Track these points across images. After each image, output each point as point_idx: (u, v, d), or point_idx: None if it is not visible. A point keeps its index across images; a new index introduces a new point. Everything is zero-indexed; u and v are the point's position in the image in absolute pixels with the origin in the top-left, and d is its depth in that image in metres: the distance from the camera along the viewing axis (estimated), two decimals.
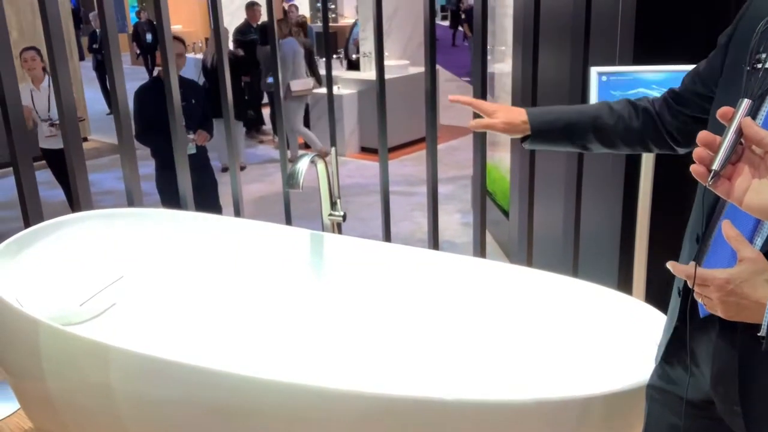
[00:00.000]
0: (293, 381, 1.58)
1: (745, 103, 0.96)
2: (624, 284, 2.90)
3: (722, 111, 0.95)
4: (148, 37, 13.13)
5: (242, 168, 7.73)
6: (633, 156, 2.65)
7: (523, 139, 1.58)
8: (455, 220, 5.83)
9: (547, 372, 1.95)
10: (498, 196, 5.14)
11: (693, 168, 0.96)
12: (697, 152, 0.95)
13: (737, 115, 0.95)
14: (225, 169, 7.69)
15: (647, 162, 2.63)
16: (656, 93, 2.52)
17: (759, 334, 0.95)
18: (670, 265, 1.05)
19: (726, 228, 0.99)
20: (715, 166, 0.94)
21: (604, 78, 2.48)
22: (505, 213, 5.02)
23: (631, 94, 2.49)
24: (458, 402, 1.54)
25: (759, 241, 1.04)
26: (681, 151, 1.47)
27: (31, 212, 2.79)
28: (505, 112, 1.56)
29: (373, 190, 6.63)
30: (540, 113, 1.57)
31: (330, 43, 2.87)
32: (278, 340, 2.33)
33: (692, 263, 1.07)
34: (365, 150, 8.25)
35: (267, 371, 1.64)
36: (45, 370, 1.85)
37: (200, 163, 4.46)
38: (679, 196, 2.92)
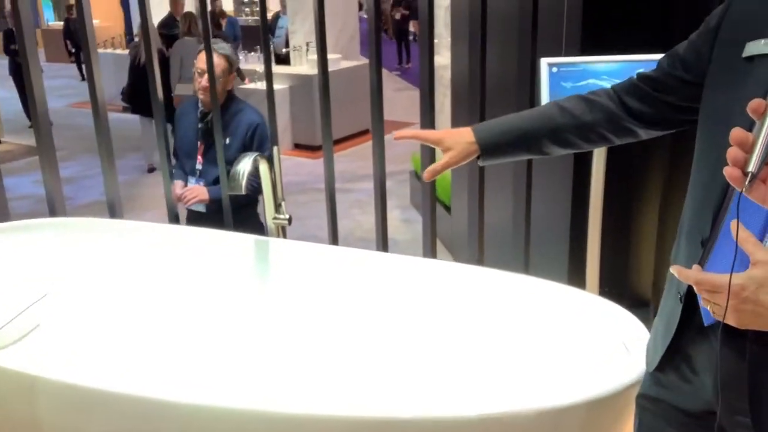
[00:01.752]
0: (248, 407, 1.44)
1: None
2: (574, 278, 2.86)
3: (754, 104, 0.84)
4: None
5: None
6: None
7: (477, 158, 1.48)
8: (395, 216, 5.73)
9: (514, 378, 1.86)
10: (439, 191, 5.07)
11: (727, 171, 0.85)
12: (731, 153, 0.85)
13: None
14: (151, 170, 7.36)
15: (599, 150, 2.58)
16: (606, 84, 2.47)
17: None
18: (674, 270, 0.96)
19: (736, 229, 0.90)
20: (751, 167, 0.84)
21: (554, 69, 2.41)
22: (447, 208, 4.96)
23: (581, 85, 2.43)
24: (417, 420, 1.41)
25: None
26: (644, 135, 1.38)
27: None
28: (452, 137, 1.46)
29: (309, 188, 6.47)
30: (487, 128, 1.47)
31: (268, 37, 2.71)
32: (224, 358, 2.16)
33: (696, 266, 0.99)
34: (299, 147, 8.06)
35: (216, 397, 1.49)
36: None
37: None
38: (628, 186, 2.91)
